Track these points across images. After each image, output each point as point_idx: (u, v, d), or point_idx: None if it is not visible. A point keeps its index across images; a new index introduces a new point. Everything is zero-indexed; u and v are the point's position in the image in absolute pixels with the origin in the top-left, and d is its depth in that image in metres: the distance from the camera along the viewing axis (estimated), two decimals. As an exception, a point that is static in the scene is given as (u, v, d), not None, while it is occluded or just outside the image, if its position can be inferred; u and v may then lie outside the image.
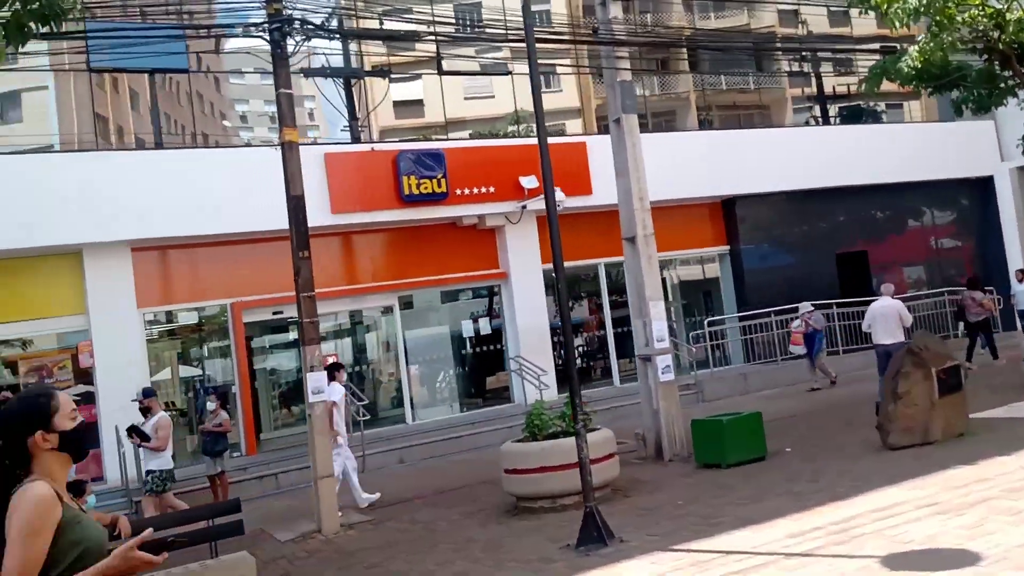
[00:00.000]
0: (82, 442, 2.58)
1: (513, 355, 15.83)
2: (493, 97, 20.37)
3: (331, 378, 10.09)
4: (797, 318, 15.88)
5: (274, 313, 14.60)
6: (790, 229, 18.52)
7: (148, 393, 10.61)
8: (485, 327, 16.57)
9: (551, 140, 17.19)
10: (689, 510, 8.24)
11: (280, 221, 14.11)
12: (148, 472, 10.00)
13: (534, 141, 16.77)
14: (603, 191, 16.67)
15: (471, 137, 19.04)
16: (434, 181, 15.17)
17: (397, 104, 20.21)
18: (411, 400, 15.49)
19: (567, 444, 9.13)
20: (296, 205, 9.58)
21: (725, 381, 16.16)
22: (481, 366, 16.61)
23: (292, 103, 9.71)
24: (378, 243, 15.55)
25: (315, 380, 9.38)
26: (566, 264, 16.61)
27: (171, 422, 10.33)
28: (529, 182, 16.08)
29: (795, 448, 10.59)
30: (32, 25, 5.37)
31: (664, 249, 18.64)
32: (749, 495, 8.47)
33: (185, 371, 14.41)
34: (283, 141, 9.61)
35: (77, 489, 6.60)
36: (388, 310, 15.64)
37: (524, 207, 16.17)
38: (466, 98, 20.74)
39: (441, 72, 17.17)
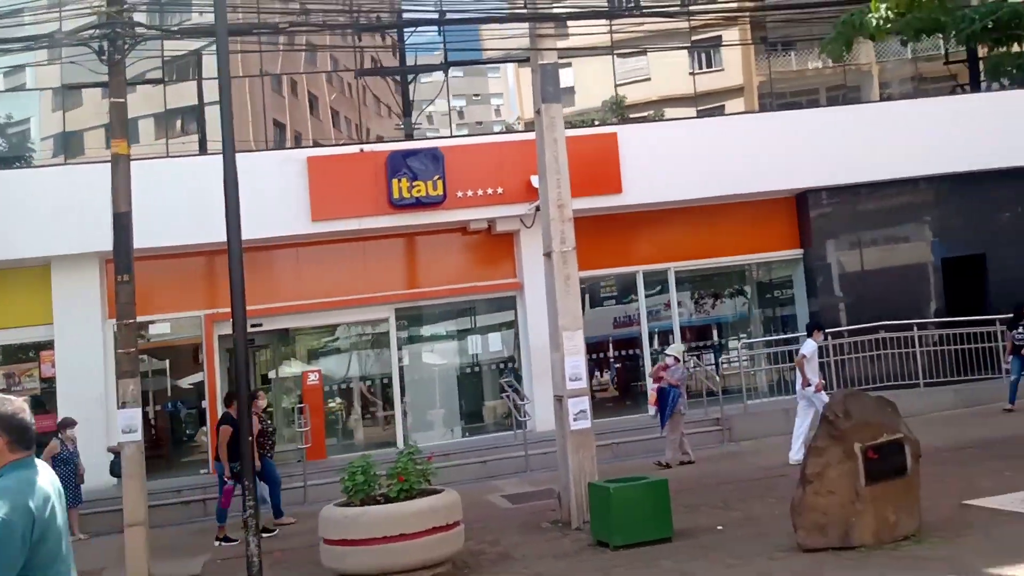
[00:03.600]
0: None
1: (507, 378, 14.06)
2: (649, 80, 17.93)
3: (811, 332, 11.56)
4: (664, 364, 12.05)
5: (252, 326, 13.96)
6: (877, 229, 14.98)
7: None
8: (496, 344, 14.99)
9: (577, 132, 15.08)
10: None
11: (256, 230, 13.62)
12: None
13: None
14: (636, 189, 14.47)
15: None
16: (429, 183, 13.79)
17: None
18: (404, 423, 14.25)
19: (381, 513, 7.60)
20: (120, 224, 8.67)
21: (762, 418, 13.32)
22: (491, 387, 15.01)
23: (124, 112, 8.84)
24: (368, 252, 14.33)
25: (127, 418, 8.46)
26: (593, 272, 14.87)
27: None
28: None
29: (734, 528, 8.18)
30: None
31: (732, 253, 15.97)
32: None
33: (153, 384, 14.15)
34: (112, 154, 8.77)
35: None
36: (382, 323, 14.50)
37: (537, 208, 14.30)
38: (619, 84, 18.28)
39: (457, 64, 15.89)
